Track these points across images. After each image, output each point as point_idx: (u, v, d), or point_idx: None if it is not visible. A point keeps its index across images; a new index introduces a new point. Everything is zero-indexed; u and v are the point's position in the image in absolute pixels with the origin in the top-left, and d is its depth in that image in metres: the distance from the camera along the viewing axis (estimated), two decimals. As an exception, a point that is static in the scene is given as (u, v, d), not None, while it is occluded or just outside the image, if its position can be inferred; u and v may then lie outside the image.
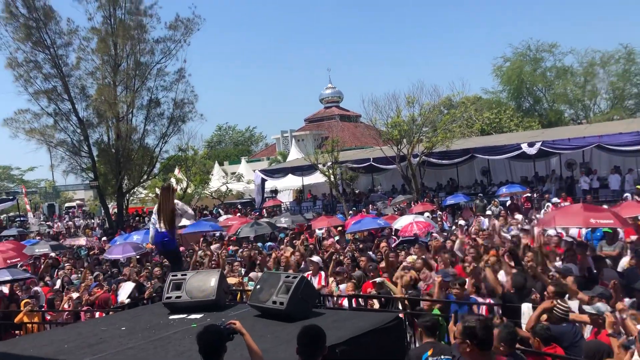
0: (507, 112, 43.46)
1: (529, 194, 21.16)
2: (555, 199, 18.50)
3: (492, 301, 7.31)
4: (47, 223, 37.01)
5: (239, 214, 26.05)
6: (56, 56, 27.07)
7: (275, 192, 34.83)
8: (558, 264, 8.93)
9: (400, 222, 14.59)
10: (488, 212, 18.09)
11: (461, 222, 15.95)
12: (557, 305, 5.83)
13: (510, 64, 47.31)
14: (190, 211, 9.02)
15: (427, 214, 17.10)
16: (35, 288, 11.29)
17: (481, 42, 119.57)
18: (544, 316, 5.83)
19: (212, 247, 14.74)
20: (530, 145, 23.05)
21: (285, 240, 15.28)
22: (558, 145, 23.12)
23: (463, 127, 28.20)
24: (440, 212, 19.15)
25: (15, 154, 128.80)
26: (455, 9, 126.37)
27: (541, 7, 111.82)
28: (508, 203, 19.79)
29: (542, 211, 16.72)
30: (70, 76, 27.76)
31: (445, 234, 14.15)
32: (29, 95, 26.95)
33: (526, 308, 6.63)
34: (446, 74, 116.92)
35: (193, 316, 6.02)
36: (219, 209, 31.58)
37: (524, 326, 6.11)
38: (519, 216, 15.87)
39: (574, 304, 6.56)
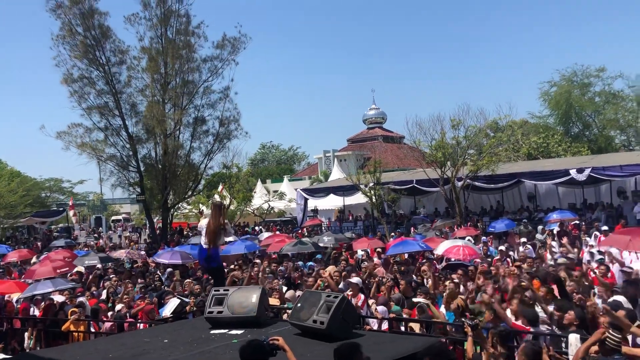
0: (555, 136, 42.45)
1: (577, 222, 20.50)
2: (605, 227, 17.79)
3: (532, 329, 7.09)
4: (94, 235, 38.12)
5: (277, 232, 26.16)
6: (109, 73, 28.08)
7: (315, 211, 34.89)
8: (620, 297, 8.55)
9: (443, 247, 14.35)
10: (537, 237, 17.62)
11: (501, 247, 15.59)
12: (609, 336, 5.59)
13: (558, 89, 46.30)
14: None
15: (468, 238, 16.77)
16: (80, 299, 11.57)
17: (529, 66, 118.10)
18: (594, 347, 5.60)
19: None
20: (579, 171, 22.38)
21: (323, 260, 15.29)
22: (609, 172, 22.36)
23: (509, 151, 27.68)
24: (483, 237, 18.75)
25: (66, 166, 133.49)
26: (502, 32, 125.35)
27: (588, 32, 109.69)
28: (556, 230, 19.22)
29: (591, 240, 16.18)
30: (122, 93, 28.72)
31: (489, 259, 13.84)
32: (82, 110, 27.98)
33: (573, 339, 6.39)
34: (493, 97, 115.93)
35: (234, 331, 6.04)
36: (261, 227, 31.83)
37: (571, 357, 5.89)
38: (553, 243, 15.29)
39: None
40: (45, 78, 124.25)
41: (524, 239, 17.23)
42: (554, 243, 15.11)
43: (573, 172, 22.51)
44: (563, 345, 6.51)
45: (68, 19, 27.01)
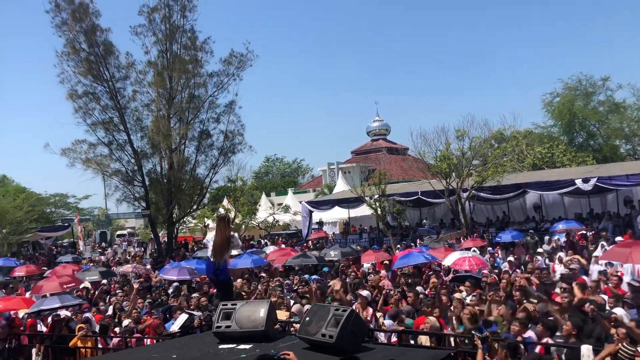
0: (559, 146, 42.36)
1: (584, 232, 20.39)
2: (619, 238, 17.62)
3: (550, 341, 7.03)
4: (99, 250, 38.13)
5: (283, 245, 26.11)
6: (114, 89, 28.28)
7: (320, 224, 34.82)
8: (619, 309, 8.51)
9: (451, 258, 14.28)
10: (540, 250, 17.53)
11: (510, 258, 15.53)
12: (623, 348, 5.54)
13: (561, 99, 46.29)
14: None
15: (473, 249, 16.70)
16: (86, 314, 11.54)
17: (532, 76, 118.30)
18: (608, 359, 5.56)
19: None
20: (585, 181, 22.29)
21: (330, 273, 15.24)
22: (615, 181, 22.23)
23: (514, 161, 27.61)
24: (490, 249, 18.67)
25: (71, 182, 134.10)
26: (504, 42, 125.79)
27: (592, 41, 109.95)
28: (563, 240, 19.12)
29: (598, 250, 16.06)
30: (127, 108, 28.94)
31: (496, 270, 13.77)
32: (87, 126, 28.15)
33: (586, 350, 6.33)
34: (497, 108, 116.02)
35: (242, 346, 6.00)
36: (266, 240, 31.79)
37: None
38: (562, 254, 15.21)
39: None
40: (49, 94, 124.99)
41: (541, 249, 17.17)
42: (562, 254, 15.02)
43: (579, 182, 22.42)
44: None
45: (72, 36, 27.27)
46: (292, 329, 8.56)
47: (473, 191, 24.29)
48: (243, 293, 12.05)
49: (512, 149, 27.59)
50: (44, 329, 11.12)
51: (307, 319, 5.97)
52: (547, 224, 24.31)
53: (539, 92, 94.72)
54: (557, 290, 9.73)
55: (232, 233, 8.20)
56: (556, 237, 19.41)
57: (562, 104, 45.88)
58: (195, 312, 10.50)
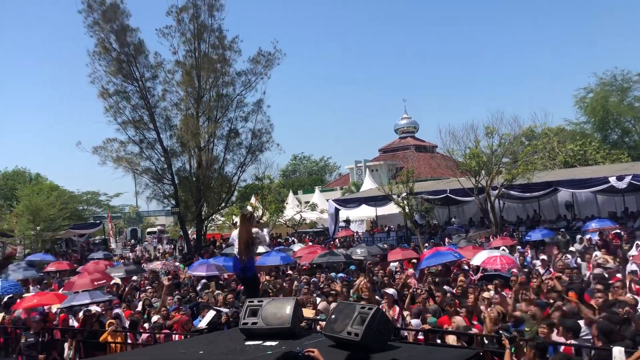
0: (592, 144, 41.41)
1: (617, 230, 19.89)
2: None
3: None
4: (128, 246, 38.81)
5: (310, 243, 26.15)
6: (144, 88, 28.69)
7: (347, 222, 34.77)
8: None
9: (479, 257, 14.09)
10: (571, 249, 17.17)
11: (543, 256, 15.24)
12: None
13: (594, 94, 45.21)
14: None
15: (502, 248, 16.45)
16: (116, 310, 11.74)
17: (565, 71, 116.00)
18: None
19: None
20: (619, 179, 21.76)
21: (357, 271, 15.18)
22: (651, 179, 21.68)
23: (545, 159, 27.11)
24: (519, 247, 18.35)
25: (103, 180, 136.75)
26: (535, 36, 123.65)
27: (628, 35, 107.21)
28: (595, 239, 18.68)
29: (633, 249, 15.65)
30: (157, 107, 29.32)
31: (526, 270, 13.54)
32: (118, 124, 28.63)
33: (618, 352, 6.17)
34: (527, 104, 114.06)
35: (268, 343, 6.02)
36: (294, 238, 31.90)
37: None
38: (598, 253, 14.83)
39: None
40: (83, 92, 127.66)
41: (572, 249, 16.83)
42: (598, 253, 14.65)
43: (613, 180, 21.92)
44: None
45: (103, 36, 27.76)
46: (318, 326, 8.57)
47: (503, 189, 23.93)
48: (269, 290, 12.10)
49: (543, 146, 27.01)
50: (76, 324, 11.36)
51: (333, 316, 5.96)
52: (579, 222, 23.83)
53: (571, 88, 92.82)
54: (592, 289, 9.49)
55: (257, 229, 8.22)
56: (588, 236, 18.99)
57: (595, 100, 44.86)
58: (222, 309, 10.59)
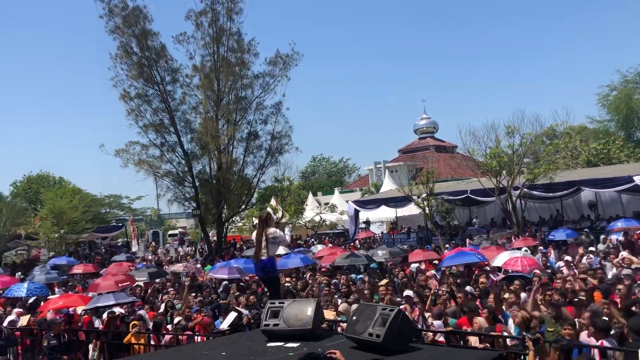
0: (616, 142, 40.69)
1: (643, 230, 19.54)
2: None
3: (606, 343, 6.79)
4: (150, 249, 39.19)
5: (330, 245, 26.18)
6: (165, 92, 28.98)
7: (367, 223, 34.69)
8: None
9: (501, 258, 13.96)
10: (592, 249, 16.91)
11: (567, 257, 15.04)
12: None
13: (618, 92, 44.42)
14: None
15: (524, 249, 16.27)
16: (140, 312, 11.89)
17: (587, 68, 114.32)
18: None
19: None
20: (645, 177, 21.41)
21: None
22: (678, 178, 21.27)
23: (567, 158, 26.73)
24: (542, 248, 18.13)
25: (124, 184, 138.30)
26: (556, 32, 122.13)
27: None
28: (620, 239, 18.37)
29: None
30: (177, 110, 29.58)
31: (549, 270, 13.38)
32: (139, 128, 28.95)
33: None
34: (548, 103, 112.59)
35: (290, 344, 6.05)
36: (314, 240, 31.93)
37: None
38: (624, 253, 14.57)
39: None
40: (105, 95, 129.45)
41: (593, 248, 16.57)
42: (624, 253, 14.41)
43: (637, 179, 21.57)
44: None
45: (124, 40, 28.10)
46: (339, 328, 8.57)
47: (525, 189, 23.66)
48: (293, 290, 12.16)
49: (565, 145, 26.63)
50: (100, 326, 11.53)
51: (354, 318, 5.97)
52: (603, 222, 23.46)
53: (594, 85, 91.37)
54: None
55: (275, 229, 8.26)
56: (612, 236, 18.69)
57: (619, 97, 44.10)
58: (244, 310, 10.66)
